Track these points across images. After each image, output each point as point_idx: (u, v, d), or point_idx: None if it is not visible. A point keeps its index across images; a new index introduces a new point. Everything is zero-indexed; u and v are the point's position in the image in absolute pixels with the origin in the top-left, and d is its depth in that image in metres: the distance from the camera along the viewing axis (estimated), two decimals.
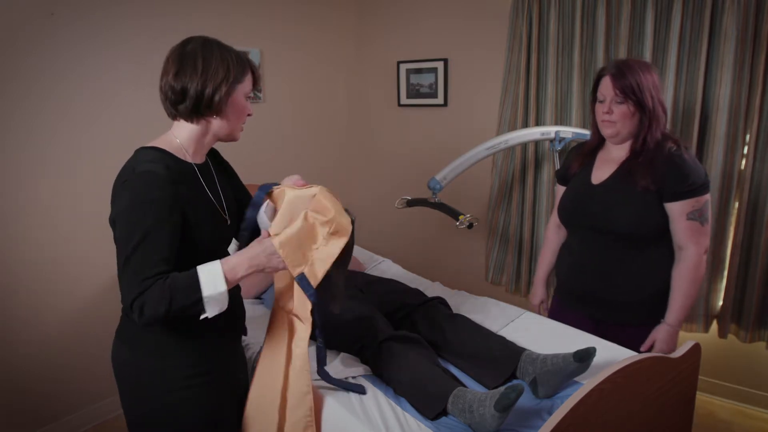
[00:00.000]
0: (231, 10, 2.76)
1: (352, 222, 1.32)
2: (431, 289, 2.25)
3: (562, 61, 2.58)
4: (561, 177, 1.96)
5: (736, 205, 2.28)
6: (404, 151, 3.38)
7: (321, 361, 1.45)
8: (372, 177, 3.60)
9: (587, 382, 1.20)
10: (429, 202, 2.54)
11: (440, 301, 1.90)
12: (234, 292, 1.42)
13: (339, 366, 1.59)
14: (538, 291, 2.09)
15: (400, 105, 3.32)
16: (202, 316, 1.15)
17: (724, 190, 2.27)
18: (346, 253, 1.34)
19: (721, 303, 2.38)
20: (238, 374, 1.44)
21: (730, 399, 2.52)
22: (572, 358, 1.41)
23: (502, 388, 1.28)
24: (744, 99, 2.16)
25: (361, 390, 1.48)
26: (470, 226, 2.31)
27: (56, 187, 2.26)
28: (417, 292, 1.99)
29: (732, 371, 2.50)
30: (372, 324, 1.70)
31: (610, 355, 1.57)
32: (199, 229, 1.23)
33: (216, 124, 1.28)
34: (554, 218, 1.99)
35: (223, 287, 1.14)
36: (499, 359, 1.57)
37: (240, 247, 1.34)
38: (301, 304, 1.33)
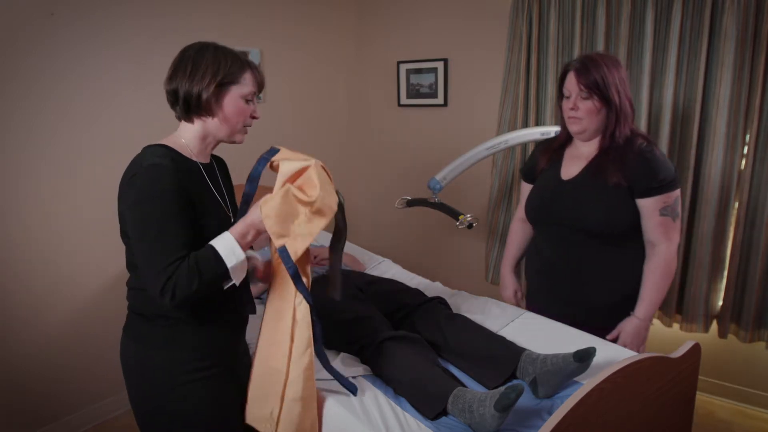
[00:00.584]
0: (231, 10, 2.76)
1: (341, 204, 1.32)
2: (431, 289, 2.25)
3: (562, 61, 2.57)
4: (526, 174, 1.93)
5: (736, 205, 2.28)
6: (404, 151, 3.38)
7: (317, 340, 1.41)
8: (372, 177, 3.60)
9: (587, 382, 1.20)
10: (429, 202, 2.54)
11: (440, 301, 1.90)
12: (240, 283, 1.44)
13: (339, 366, 1.59)
14: (507, 282, 2.05)
15: (400, 105, 3.32)
16: (226, 286, 1.24)
17: (724, 190, 2.27)
18: (339, 235, 1.36)
19: (720, 303, 2.38)
20: (241, 367, 1.45)
21: (730, 399, 2.53)
22: (572, 358, 1.41)
23: (502, 388, 1.28)
24: (744, 99, 2.16)
25: (353, 390, 1.46)
26: (470, 226, 2.31)
27: (56, 187, 2.26)
28: (417, 292, 1.99)
29: (732, 371, 2.50)
30: (372, 324, 1.70)
31: (610, 355, 1.57)
32: (206, 220, 1.27)
33: (212, 124, 1.31)
34: (519, 212, 1.97)
35: (242, 255, 1.22)
36: (499, 359, 1.57)
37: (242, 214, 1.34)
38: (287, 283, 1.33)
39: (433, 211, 2.59)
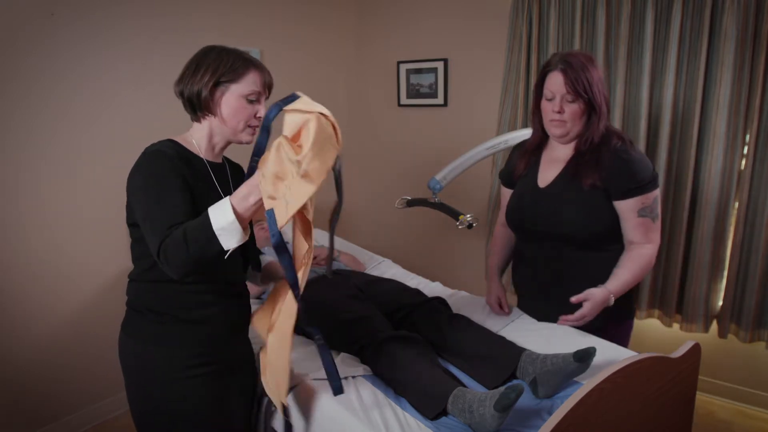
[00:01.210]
0: (231, 10, 2.76)
1: (336, 172, 1.20)
2: (431, 289, 2.25)
3: None
4: (505, 179, 1.89)
5: (736, 205, 2.28)
6: (404, 151, 3.38)
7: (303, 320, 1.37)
8: (372, 177, 3.60)
9: (587, 382, 1.20)
10: (429, 202, 2.54)
11: (440, 301, 1.90)
12: (241, 279, 1.45)
13: (339, 366, 1.59)
14: (492, 288, 1.95)
15: (400, 105, 3.32)
16: (226, 255, 1.16)
17: (724, 190, 2.27)
18: (334, 207, 1.27)
19: (720, 303, 2.38)
20: (244, 366, 1.46)
21: (730, 399, 2.53)
22: (572, 358, 1.41)
23: (502, 388, 1.28)
24: (744, 99, 2.16)
25: (339, 390, 1.41)
26: (470, 226, 2.31)
27: (56, 187, 2.26)
28: (417, 292, 1.99)
29: (732, 371, 2.50)
30: (372, 324, 1.71)
31: (610, 355, 1.57)
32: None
33: (215, 123, 1.32)
34: (501, 217, 1.94)
35: (231, 216, 1.12)
36: (499, 359, 1.57)
37: (249, 175, 1.28)
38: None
39: (433, 211, 2.58)
